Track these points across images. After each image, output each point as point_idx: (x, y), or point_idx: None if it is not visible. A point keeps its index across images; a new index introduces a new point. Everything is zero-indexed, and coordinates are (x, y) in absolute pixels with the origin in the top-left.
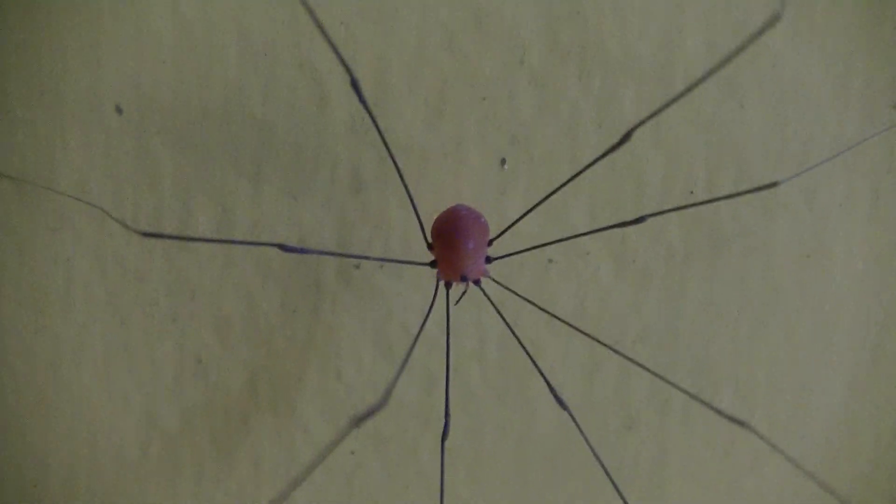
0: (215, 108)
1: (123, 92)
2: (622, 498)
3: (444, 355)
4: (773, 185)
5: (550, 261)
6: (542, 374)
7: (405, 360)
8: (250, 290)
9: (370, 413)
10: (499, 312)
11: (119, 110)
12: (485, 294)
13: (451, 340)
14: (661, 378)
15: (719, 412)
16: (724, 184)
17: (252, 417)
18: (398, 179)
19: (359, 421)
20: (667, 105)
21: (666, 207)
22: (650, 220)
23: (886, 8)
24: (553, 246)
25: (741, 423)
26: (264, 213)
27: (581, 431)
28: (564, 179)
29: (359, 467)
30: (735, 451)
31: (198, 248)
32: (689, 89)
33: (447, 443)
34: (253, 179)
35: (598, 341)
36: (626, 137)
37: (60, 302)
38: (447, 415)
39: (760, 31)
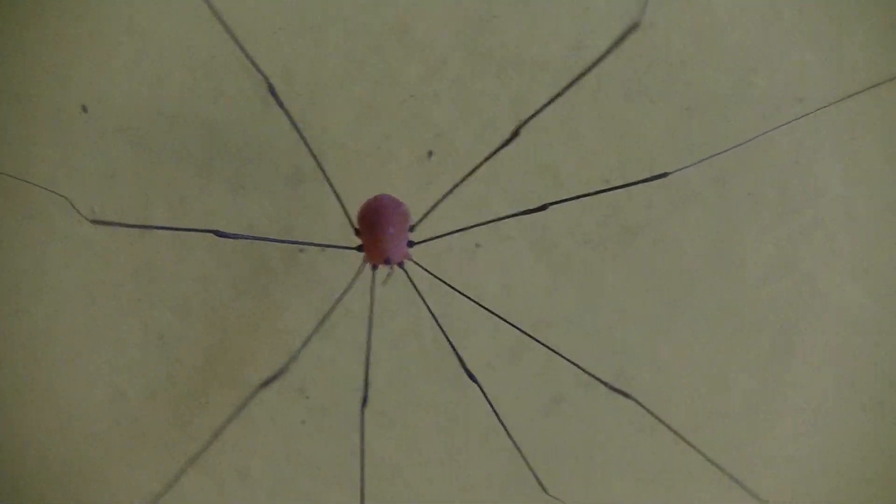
0: (169, 109)
1: (88, 94)
2: (533, 474)
3: (374, 332)
4: (663, 175)
5: (477, 245)
6: (453, 348)
7: (312, 333)
8: (205, 274)
9: (273, 379)
10: (417, 292)
11: (84, 109)
12: (408, 276)
13: (385, 319)
14: (566, 359)
15: (606, 384)
16: (635, 174)
17: (211, 391)
18: (335, 173)
19: (263, 385)
20: (549, 102)
21: (572, 197)
22: (561, 210)
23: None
24: (480, 231)
25: (626, 395)
26: (215, 204)
27: (490, 405)
28: (484, 171)
29: (307, 436)
30: (659, 428)
31: (158, 236)
32: (567, 87)
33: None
34: (204, 174)
35: (515, 326)
36: (516, 133)
37: (33, 285)
38: (366, 385)
39: (621, 38)
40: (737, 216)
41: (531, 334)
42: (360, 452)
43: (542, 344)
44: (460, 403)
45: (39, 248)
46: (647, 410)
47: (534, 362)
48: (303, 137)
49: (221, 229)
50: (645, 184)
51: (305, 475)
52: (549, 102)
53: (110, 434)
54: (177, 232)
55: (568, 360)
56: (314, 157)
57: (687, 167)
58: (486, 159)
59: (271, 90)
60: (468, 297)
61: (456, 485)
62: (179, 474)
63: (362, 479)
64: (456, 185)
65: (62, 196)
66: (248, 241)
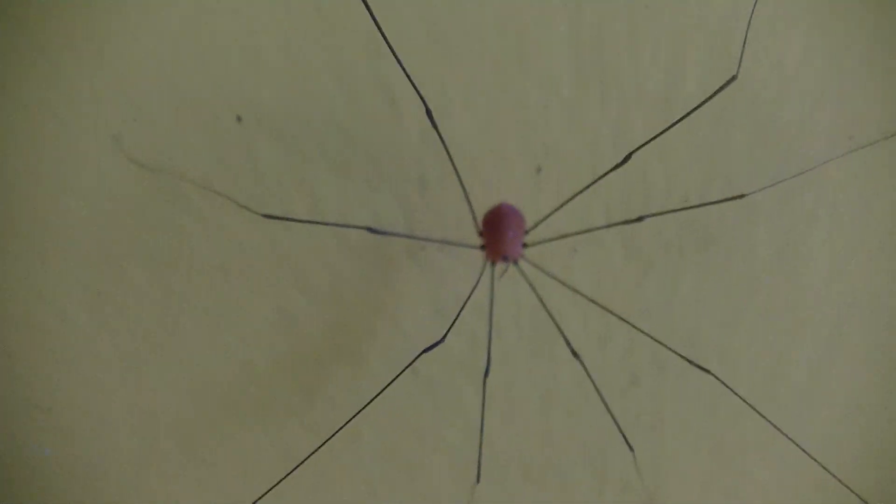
0: (314, 115)
1: (244, 104)
2: (624, 438)
3: (478, 323)
4: (741, 196)
5: (574, 250)
6: (559, 329)
7: (459, 312)
8: (335, 263)
9: (433, 346)
10: (529, 284)
11: (239, 119)
12: (521, 273)
13: (494, 308)
14: (654, 339)
15: (688, 360)
16: (714, 193)
17: (330, 364)
18: (456, 182)
19: (425, 351)
20: (658, 135)
21: (664, 211)
22: (650, 220)
23: (850, 56)
24: (576, 238)
25: (706, 370)
26: (349, 202)
27: (590, 377)
28: (586, 185)
29: (413, 405)
30: (720, 405)
31: (293, 228)
32: (672, 125)
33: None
34: (341, 174)
35: (611, 311)
36: (627, 158)
37: (182, 266)
38: (489, 359)
39: (718, 91)
40: (797, 230)
41: (624, 318)
42: (481, 419)
43: (642, 331)
44: (554, 381)
45: (188, 236)
46: (723, 383)
47: (615, 349)
48: (449, 155)
49: (375, 228)
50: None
51: (411, 440)
52: (658, 136)
53: (239, 403)
54: (319, 226)
55: (654, 340)
56: (453, 164)
57: (763, 188)
58: (599, 179)
59: (428, 114)
60: (581, 293)
61: (547, 452)
62: (320, 446)
63: (481, 444)
64: (569, 199)
65: (224, 196)
66: (380, 236)
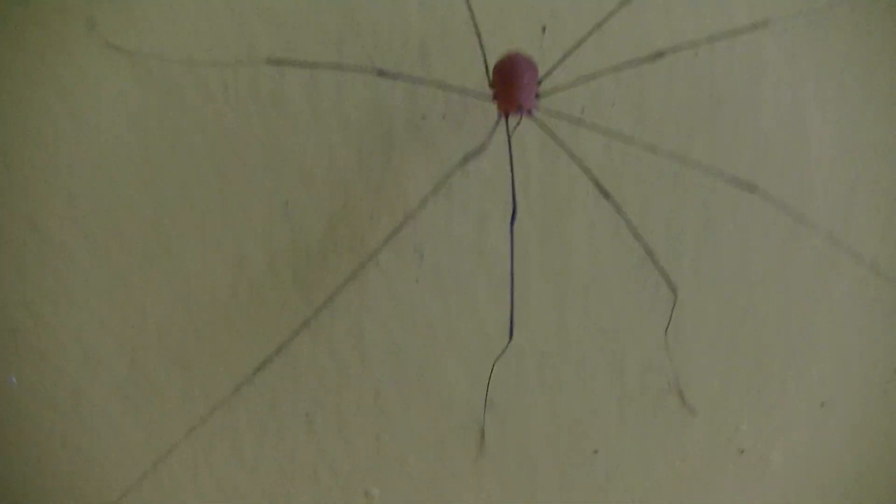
0: None
1: None
2: (664, 274)
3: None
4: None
5: (583, 109)
6: (584, 169)
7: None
8: (331, 140)
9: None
10: (549, 132)
11: None
12: (539, 124)
13: (513, 157)
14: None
15: (732, 179)
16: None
17: (330, 256)
18: (459, 48)
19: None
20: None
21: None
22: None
23: None
24: (586, 97)
25: (752, 189)
26: (348, 81)
27: (624, 217)
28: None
29: (419, 297)
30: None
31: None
32: None
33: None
34: (337, 38)
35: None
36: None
37: (166, 159)
38: (514, 203)
39: None
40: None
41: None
42: (510, 273)
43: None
44: (570, 259)
45: (173, 129)
46: (775, 202)
47: (643, 195)
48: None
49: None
50: (727, 52)
51: (418, 336)
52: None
53: (230, 303)
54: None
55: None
56: (470, 8)
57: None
58: (609, 16)
59: None
60: (599, 129)
61: (562, 336)
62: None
63: (512, 304)
64: (584, 39)
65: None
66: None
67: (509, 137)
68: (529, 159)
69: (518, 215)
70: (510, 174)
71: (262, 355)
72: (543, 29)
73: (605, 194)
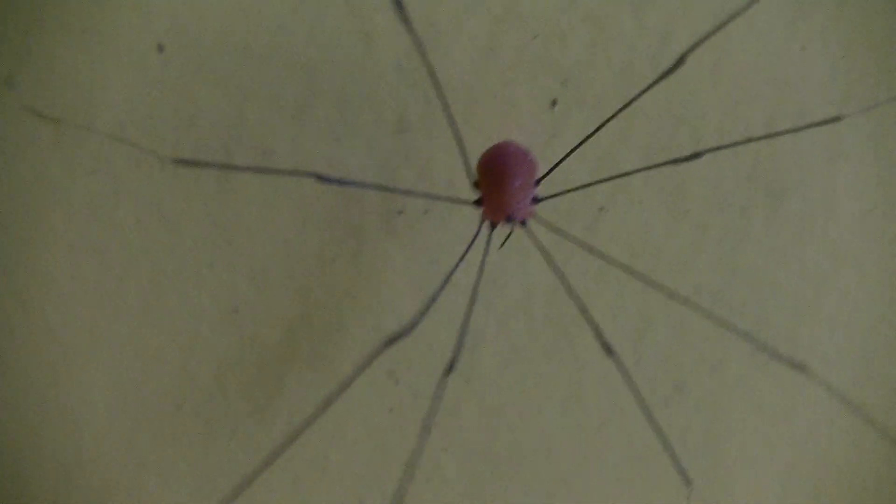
0: (258, 47)
1: (166, 30)
2: (676, 462)
3: (490, 310)
4: (836, 119)
5: (601, 209)
6: (587, 316)
7: (438, 291)
8: (288, 237)
9: (399, 337)
10: (544, 252)
11: (160, 49)
12: (532, 237)
13: (492, 293)
14: (720, 322)
15: (777, 355)
16: (783, 126)
17: (288, 373)
18: (444, 121)
19: (389, 343)
20: (720, 26)
21: (729, 144)
22: (705, 167)
23: None
24: (605, 193)
25: (801, 369)
26: (306, 154)
27: (630, 381)
28: (615, 121)
29: (397, 427)
30: (795, 419)
31: (236, 192)
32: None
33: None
34: (295, 120)
35: (655, 284)
36: (680, 62)
37: (97, 250)
38: (458, 350)
39: None
40: (894, 180)
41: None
42: (426, 427)
43: (701, 309)
44: (575, 386)
45: (102, 208)
46: (825, 384)
47: (656, 345)
48: (431, 72)
49: (324, 174)
50: (793, 141)
51: (392, 470)
52: (716, 30)
53: (175, 418)
54: (263, 185)
55: (731, 329)
56: (440, 95)
57: (867, 109)
58: (643, 92)
59: (397, 5)
60: (614, 262)
61: (570, 474)
62: (260, 470)
63: (410, 464)
64: (600, 127)
65: (133, 145)
66: (344, 195)
67: (484, 255)
68: (532, 269)
69: (456, 369)
70: (469, 305)
71: (213, 485)
72: (553, 103)
73: (608, 350)
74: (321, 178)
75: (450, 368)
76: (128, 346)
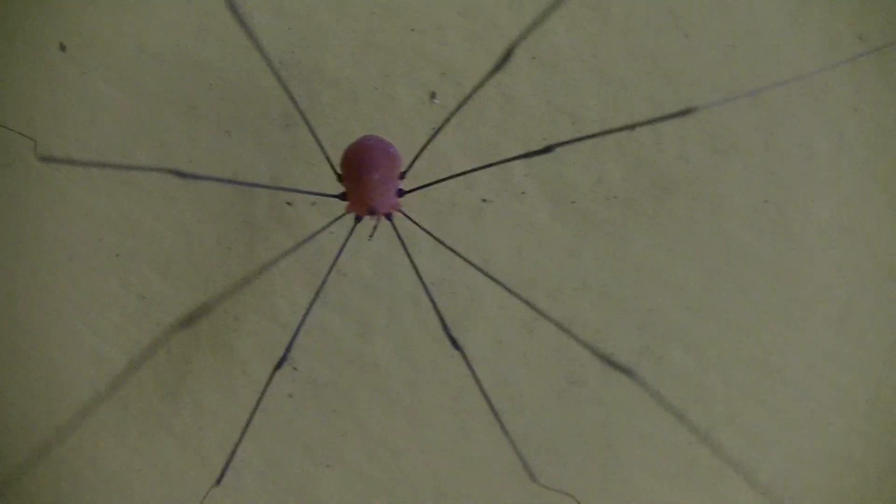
0: (151, 46)
1: (67, 31)
2: (521, 459)
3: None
4: (689, 111)
5: (484, 200)
6: (435, 307)
7: (309, 307)
8: (188, 228)
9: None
10: (404, 247)
11: (63, 48)
12: (395, 230)
13: (385, 283)
14: (574, 337)
15: (607, 360)
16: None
17: (194, 358)
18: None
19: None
20: (545, 14)
21: (579, 137)
22: (586, 161)
23: None
24: (487, 186)
25: (628, 373)
26: (201, 149)
27: (474, 375)
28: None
29: (297, 412)
30: (686, 418)
31: (139, 186)
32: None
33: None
34: (189, 115)
35: (510, 290)
36: (508, 56)
37: (12, 242)
38: (289, 349)
39: None
40: (786, 171)
41: (553, 318)
42: (246, 422)
43: (568, 332)
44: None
45: (16, 200)
46: (650, 391)
47: (549, 337)
48: (278, 77)
49: (182, 170)
50: (679, 133)
51: (295, 456)
52: (548, 12)
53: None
54: (163, 181)
55: (573, 337)
56: (292, 99)
57: (718, 103)
58: (477, 88)
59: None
60: (464, 259)
61: (454, 467)
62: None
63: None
64: (447, 119)
65: (28, 137)
66: (234, 190)
67: (341, 250)
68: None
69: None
70: (310, 303)
71: (131, 466)
72: (433, 95)
73: (454, 344)
74: (180, 174)
75: (280, 363)
76: (49, 332)
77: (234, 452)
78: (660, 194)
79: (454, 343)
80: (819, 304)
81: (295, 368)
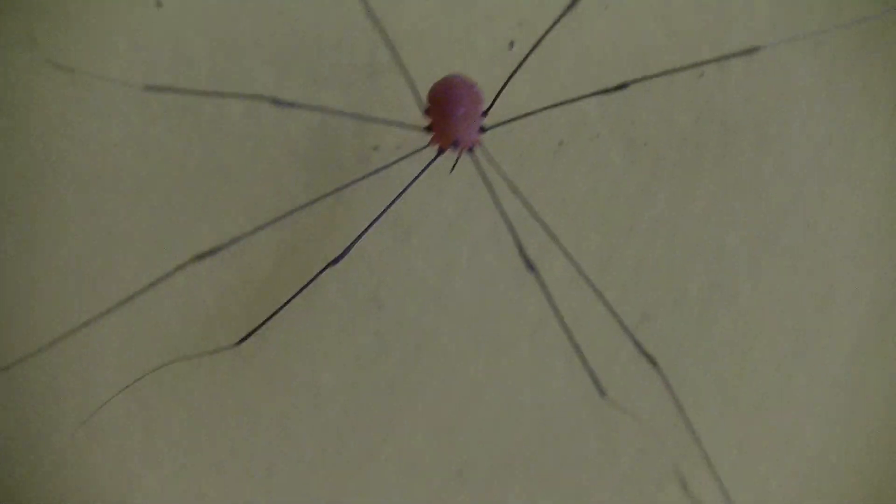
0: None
1: None
2: (590, 373)
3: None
4: (753, 50)
5: (561, 143)
6: (514, 234)
7: (379, 216)
8: (278, 172)
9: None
10: (484, 179)
11: (159, 4)
12: (475, 164)
13: (466, 221)
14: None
15: (638, 346)
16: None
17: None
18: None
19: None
20: None
21: (654, 74)
22: (658, 105)
23: None
24: (563, 129)
25: (653, 363)
26: (289, 97)
27: (547, 296)
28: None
29: (380, 350)
30: (756, 352)
31: (231, 132)
32: None
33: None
34: (275, 65)
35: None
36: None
37: (110, 185)
38: (349, 247)
39: None
40: (851, 113)
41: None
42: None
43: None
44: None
45: (114, 148)
46: (668, 387)
47: (620, 276)
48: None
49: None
50: (745, 76)
51: (379, 394)
52: None
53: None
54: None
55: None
56: (379, 28)
57: (780, 42)
58: (549, 29)
59: None
60: (514, 190)
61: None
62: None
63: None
64: (525, 58)
65: (132, 85)
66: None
67: (419, 174)
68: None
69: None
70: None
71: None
72: (511, 44)
73: (529, 266)
74: (276, 102)
75: (334, 261)
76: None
77: (264, 322)
78: (727, 136)
79: (529, 265)
80: (889, 239)
81: (381, 307)
